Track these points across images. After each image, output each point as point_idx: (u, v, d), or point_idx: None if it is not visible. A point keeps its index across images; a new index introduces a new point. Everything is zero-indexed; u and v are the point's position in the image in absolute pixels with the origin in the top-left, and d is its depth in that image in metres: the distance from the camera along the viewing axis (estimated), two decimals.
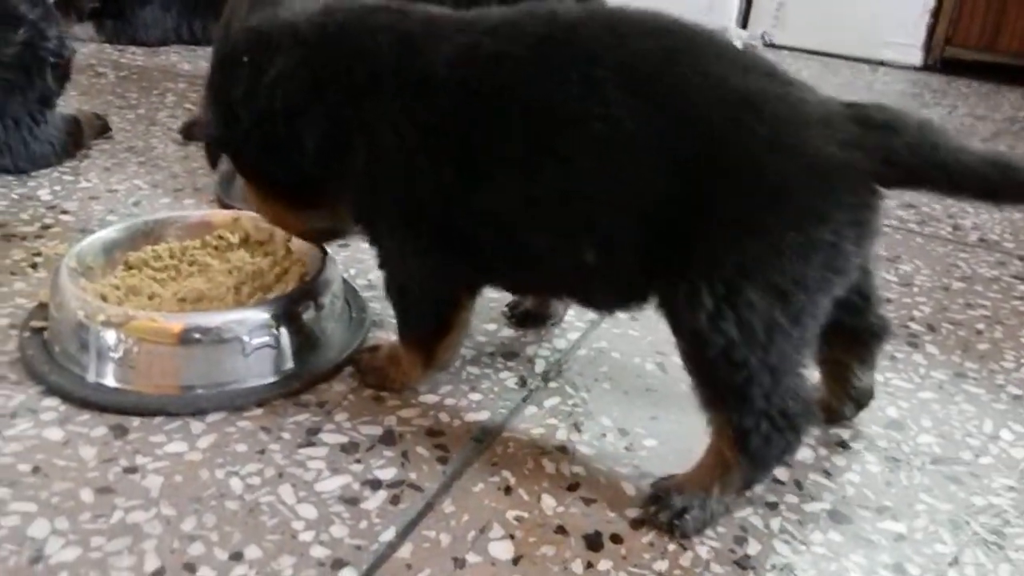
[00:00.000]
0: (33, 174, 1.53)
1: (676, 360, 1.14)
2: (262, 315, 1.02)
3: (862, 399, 1.02)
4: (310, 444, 0.94)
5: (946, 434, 1.04)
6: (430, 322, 1.00)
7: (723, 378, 0.81)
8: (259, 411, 0.98)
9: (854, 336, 0.96)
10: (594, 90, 0.80)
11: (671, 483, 0.88)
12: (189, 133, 1.75)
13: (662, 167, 0.78)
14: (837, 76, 2.88)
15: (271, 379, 1.02)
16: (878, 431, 1.04)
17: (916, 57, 3.04)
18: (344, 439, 0.95)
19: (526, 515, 0.86)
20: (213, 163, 1.13)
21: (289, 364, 1.03)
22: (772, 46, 3.15)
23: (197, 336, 0.99)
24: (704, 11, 3.12)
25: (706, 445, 0.87)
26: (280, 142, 0.95)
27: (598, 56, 0.81)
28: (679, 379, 1.10)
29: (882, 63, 3.07)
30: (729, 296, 0.77)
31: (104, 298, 1.06)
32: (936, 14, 2.97)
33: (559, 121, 0.82)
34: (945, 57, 3.00)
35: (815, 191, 0.77)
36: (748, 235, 0.77)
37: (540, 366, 1.12)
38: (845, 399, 1.01)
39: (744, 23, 3.21)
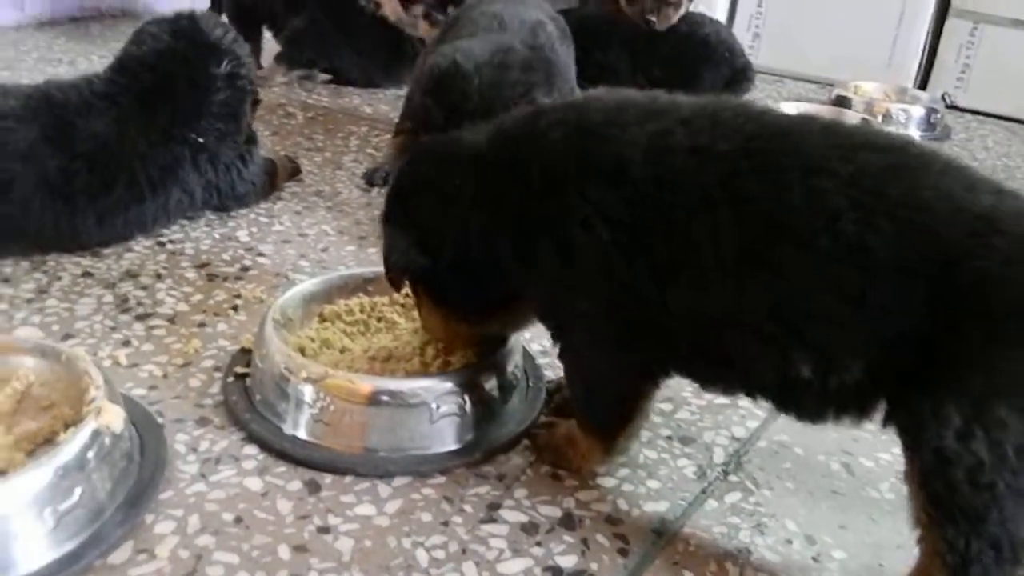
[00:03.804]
0: (232, 214, 1.63)
1: (863, 461, 1.11)
2: (449, 383, 1.04)
3: None
4: (491, 520, 0.94)
5: None
6: (614, 413, 0.99)
7: (962, 499, 0.75)
8: (442, 479, 1.00)
9: None
10: (820, 202, 0.78)
11: None
12: (372, 179, 1.83)
13: (894, 284, 0.76)
14: None
15: (453, 447, 1.03)
16: None
17: None
18: (524, 518, 0.95)
19: None
20: (398, 289, 1.12)
21: (470, 434, 1.05)
22: (954, 108, 2.98)
23: (385, 399, 1.02)
24: (882, 69, 3.01)
25: (897, 563, 0.82)
26: (477, 261, 0.97)
27: (822, 167, 0.79)
28: (867, 483, 1.06)
29: None
30: (978, 414, 0.73)
31: (302, 350, 1.11)
32: None
33: (778, 230, 0.79)
34: None
35: None
36: (997, 351, 0.73)
37: (719, 456, 1.09)
38: None
39: (924, 83, 3.06)
